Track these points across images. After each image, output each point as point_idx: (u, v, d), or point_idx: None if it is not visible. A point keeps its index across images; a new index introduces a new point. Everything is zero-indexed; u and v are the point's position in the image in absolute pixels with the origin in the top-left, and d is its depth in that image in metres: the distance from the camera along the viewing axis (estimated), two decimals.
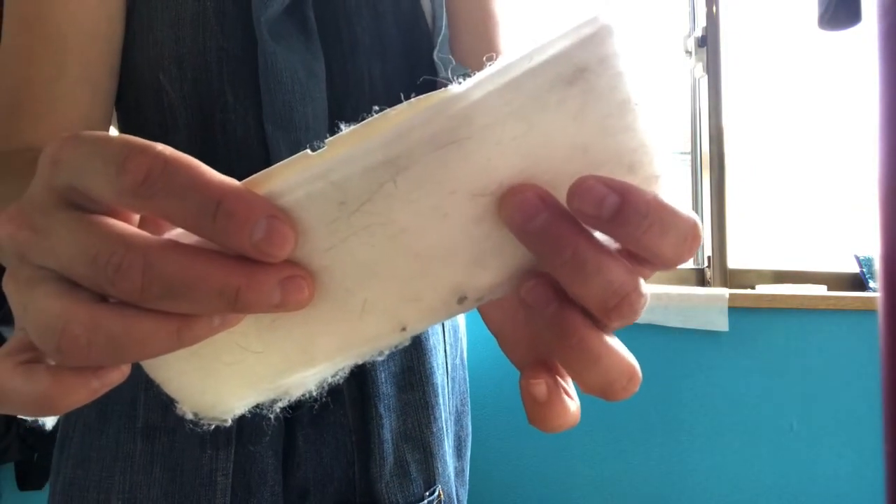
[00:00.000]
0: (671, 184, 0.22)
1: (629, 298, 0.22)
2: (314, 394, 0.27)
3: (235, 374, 0.24)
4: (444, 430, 0.68)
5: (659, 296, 1.50)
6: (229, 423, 0.26)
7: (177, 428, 0.57)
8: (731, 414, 1.50)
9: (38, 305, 0.22)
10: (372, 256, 0.21)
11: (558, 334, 0.23)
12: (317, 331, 0.23)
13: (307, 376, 0.25)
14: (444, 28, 0.67)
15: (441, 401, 0.67)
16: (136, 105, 0.60)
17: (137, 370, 0.45)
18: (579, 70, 0.20)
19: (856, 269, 1.73)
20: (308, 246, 0.21)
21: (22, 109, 0.54)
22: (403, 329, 0.23)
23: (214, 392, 0.25)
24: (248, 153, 0.58)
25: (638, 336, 1.50)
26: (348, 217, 0.21)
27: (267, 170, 0.23)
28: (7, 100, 0.54)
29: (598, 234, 0.22)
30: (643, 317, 1.47)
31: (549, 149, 0.20)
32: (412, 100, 0.23)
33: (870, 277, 1.69)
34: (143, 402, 0.57)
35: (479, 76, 0.20)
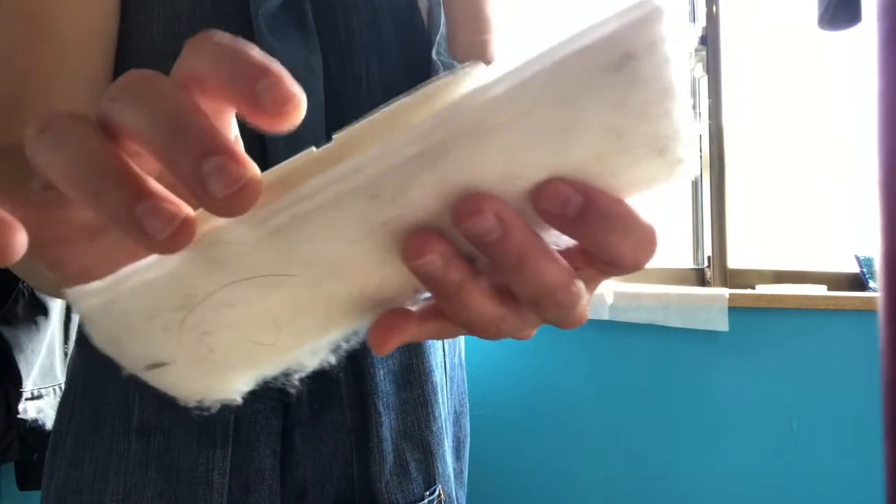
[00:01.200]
0: (693, 168, 0.23)
1: (556, 297, 0.23)
2: (331, 361, 0.27)
3: (246, 364, 0.25)
4: (444, 429, 0.67)
5: (659, 296, 1.50)
6: (239, 400, 0.26)
7: (172, 427, 0.56)
8: (731, 414, 1.50)
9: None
10: (397, 244, 0.22)
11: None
12: (333, 306, 0.23)
13: (321, 345, 0.25)
14: (441, 27, 0.67)
15: (440, 399, 0.67)
16: None
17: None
18: (627, 55, 0.19)
19: (856, 269, 1.73)
20: (336, 240, 0.21)
21: (19, 104, 0.53)
22: (416, 291, 0.24)
23: (221, 384, 0.25)
24: (245, 150, 0.58)
25: (638, 336, 1.51)
26: (381, 208, 0.21)
27: (278, 169, 0.23)
28: (4, 94, 0.54)
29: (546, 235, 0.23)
30: (643, 316, 1.48)
31: (584, 133, 0.20)
32: (424, 89, 0.23)
33: (870, 277, 1.69)
34: (138, 400, 0.56)
35: (513, 61, 0.20)
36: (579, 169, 0.21)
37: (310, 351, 0.25)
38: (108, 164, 0.21)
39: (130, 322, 0.22)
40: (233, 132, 0.26)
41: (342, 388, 0.60)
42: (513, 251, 0.22)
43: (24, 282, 1.14)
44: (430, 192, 0.21)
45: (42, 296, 1.17)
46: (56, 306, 1.20)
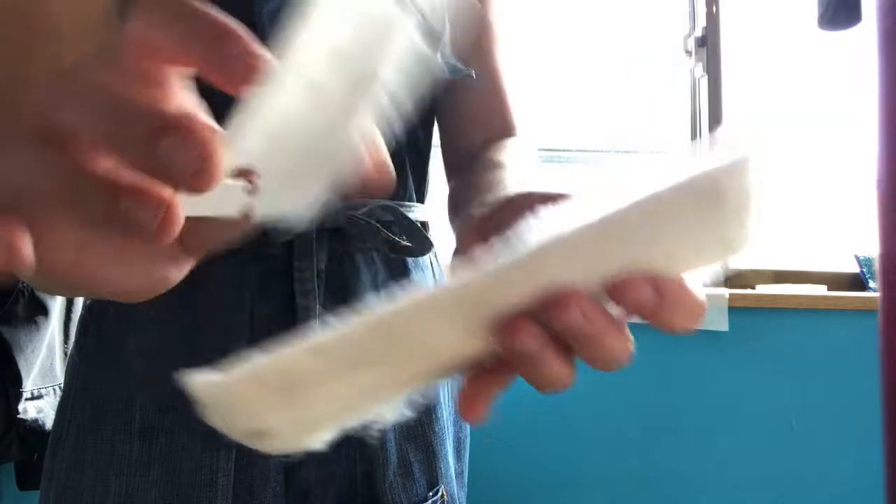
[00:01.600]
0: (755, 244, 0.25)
1: (620, 363, 0.27)
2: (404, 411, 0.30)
3: (337, 423, 0.28)
4: (446, 429, 0.67)
5: None
6: (322, 448, 0.30)
7: (175, 429, 0.56)
8: (732, 414, 1.50)
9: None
10: (490, 328, 0.26)
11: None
12: (420, 373, 0.27)
13: (401, 401, 0.28)
14: (447, 29, 0.67)
15: (442, 400, 0.67)
16: None
17: (131, 369, 0.46)
18: (718, 193, 0.23)
19: (856, 269, 1.73)
20: (437, 333, 0.25)
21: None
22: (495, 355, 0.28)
23: (312, 441, 0.28)
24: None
25: (638, 336, 1.50)
26: (485, 310, 0.25)
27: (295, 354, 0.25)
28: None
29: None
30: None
31: (671, 249, 0.24)
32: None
33: (870, 277, 1.69)
34: (140, 402, 0.56)
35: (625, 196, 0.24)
36: (655, 265, 0.24)
37: (391, 407, 0.28)
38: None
39: (242, 405, 0.26)
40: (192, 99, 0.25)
41: None
42: (592, 334, 0.25)
43: (23, 282, 1.14)
44: (526, 295, 0.24)
45: (42, 296, 1.17)
46: (56, 306, 1.20)
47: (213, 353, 0.43)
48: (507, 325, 0.25)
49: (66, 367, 0.64)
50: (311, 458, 0.59)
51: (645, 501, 1.49)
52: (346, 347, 0.25)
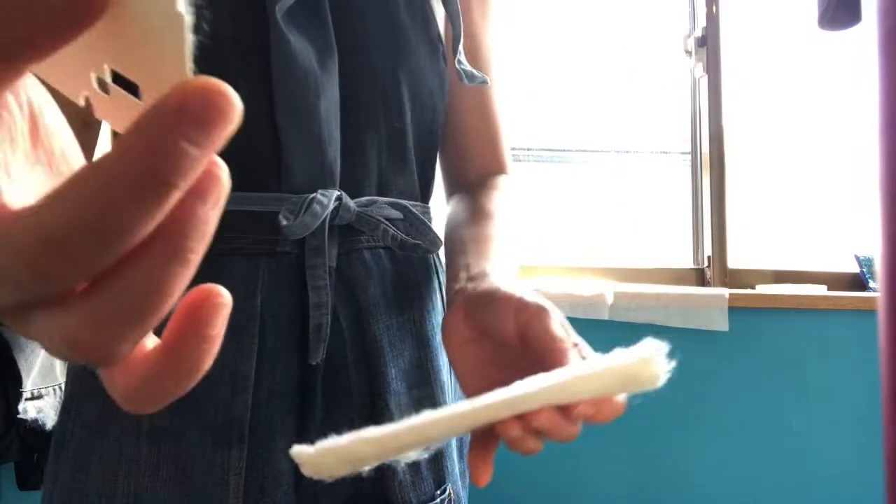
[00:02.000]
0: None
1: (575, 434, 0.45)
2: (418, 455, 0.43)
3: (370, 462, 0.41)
4: None
5: (659, 296, 1.50)
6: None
7: (185, 430, 0.55)
8: (731, 414, 1.50)
9: None
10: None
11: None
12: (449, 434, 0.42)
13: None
14: (461, 35, 0.67)
15: (448, 399, 0.67)
16: None
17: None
18: (634, 377, 0.44)
19: (856, 269, 1.73)
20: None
21: None
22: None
23: (348, 470, 0.41)
24: (258, 147, 0.57)
25: (638, 336, 1.50)
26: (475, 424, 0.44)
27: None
28: None
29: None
30: (643, 316, 1.47)
31: (594, 397, 0.45)
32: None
33: (870, 277, 1.69)
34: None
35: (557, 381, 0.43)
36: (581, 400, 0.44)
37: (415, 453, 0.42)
38: None
39: (322, 467, 0.40)
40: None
41: (354, 387, 0.60)
42: (550, 430, 0.43)
43: None
44: (511, 414, 0.42)
45: None
46: None
47: (223, 351, 0.43)
48: (502, 424, 0.42)
49: (68, 369, 0.63)
50: None
51: (645, 501, 1.49)
52: (391, 440, 0.40)
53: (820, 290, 1.61)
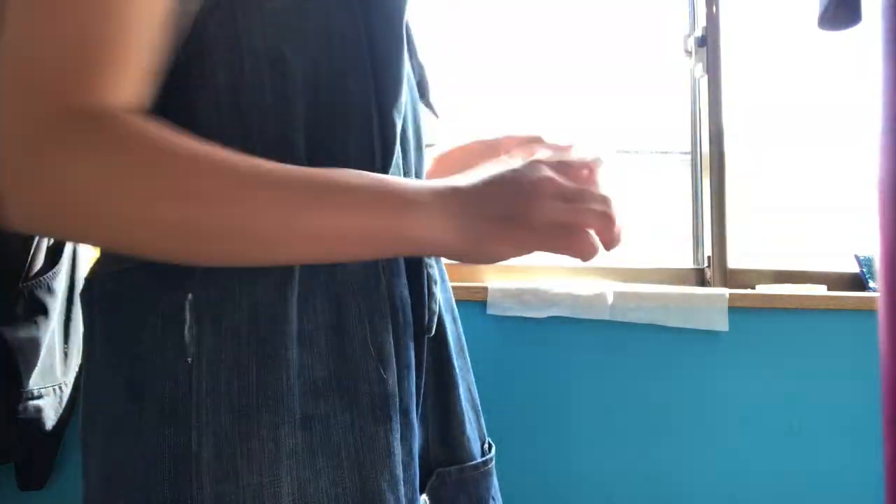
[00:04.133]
0: None
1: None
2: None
3: None
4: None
5: (659, 296, 1.50)
6: None
7: (331, 412, 0.55)
8: (731, 414, 1.50)
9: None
10: None
11: None
12: None
13: None
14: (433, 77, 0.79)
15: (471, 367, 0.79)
16: (246, 83, 0.55)
17: (286, 357, 0.56)
18: None
19: (856, 269, 1.73)
20: None
21: (93, 61, 0.47)
22: None
23: None
24: (365, 139, 0.59)
25: (638, 336, 1.50)
26: None
27: None
28: (71, 51, 0.47)
29: None
30: (643, 316, 1.47)
31: None
32: None
33: (870, 277, 1.69)
34: (299, 390, 0.53)
35: None
36: None
37: None
38: None
39: None
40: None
41: (424, 360, 0.66)
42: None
43: (24, 282, 1.14)
44: None
45: (42, 295, 1.17)
46: (56, 306, 1.20)
47: (371, 332, 0.60)
48: None
49: (164, 374, 0.53)
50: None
51: (644, 501, 1.49)
52: None
53: (820, 290, 1.61)
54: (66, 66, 0.46)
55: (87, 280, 0.62)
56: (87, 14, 0.47)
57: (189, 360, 0.52)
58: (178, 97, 0.55)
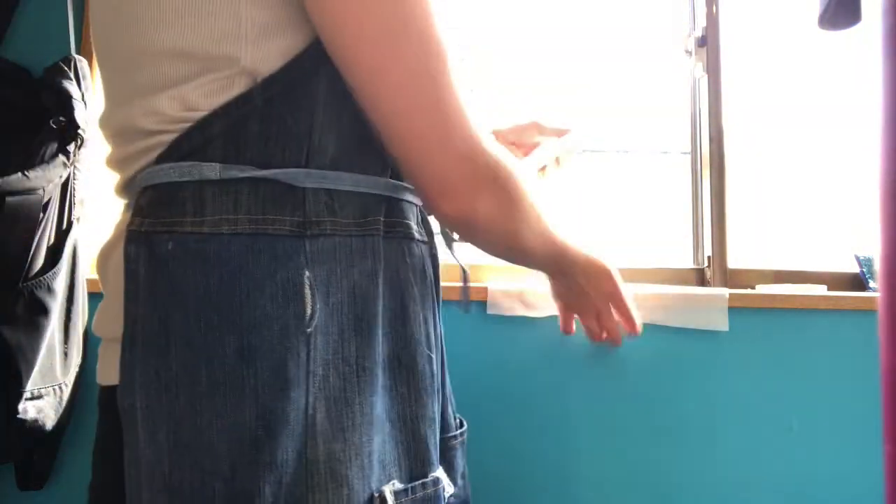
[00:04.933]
0: None
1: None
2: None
3: None
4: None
5: (659, 296, 1.50)
6: None
7: (395, 385, 0.65)
8: (731, 414, 1.50)
9: None
10: None
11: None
12: None
13: None
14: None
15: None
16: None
17: (375, 332, 0.65)
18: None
19: (856, 269, 1.73)
20: None
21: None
22: None
23: None
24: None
25: (637, 336, 1.50)
26: None
27: None
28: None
29: None
30: (643, 316, 1.47)
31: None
32: None
33: (870, 277, 1.69)
34: (379, 363, 0.63)
35: None
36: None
37: None
38: None
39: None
40: None
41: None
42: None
43: (24, 281, 1.14)
44: None
45: (42, 295, 1.17)
46: (56, 306, 1.20)
47: (422, 319, 0.69)
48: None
49: (284, 342, 0.56)
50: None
51: (644, 501, 1.49)
52: None
53: (820, 290, 1.61)
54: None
55: (149, 233, 0.58)
56: None
57: (309, 330, 0.56)
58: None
